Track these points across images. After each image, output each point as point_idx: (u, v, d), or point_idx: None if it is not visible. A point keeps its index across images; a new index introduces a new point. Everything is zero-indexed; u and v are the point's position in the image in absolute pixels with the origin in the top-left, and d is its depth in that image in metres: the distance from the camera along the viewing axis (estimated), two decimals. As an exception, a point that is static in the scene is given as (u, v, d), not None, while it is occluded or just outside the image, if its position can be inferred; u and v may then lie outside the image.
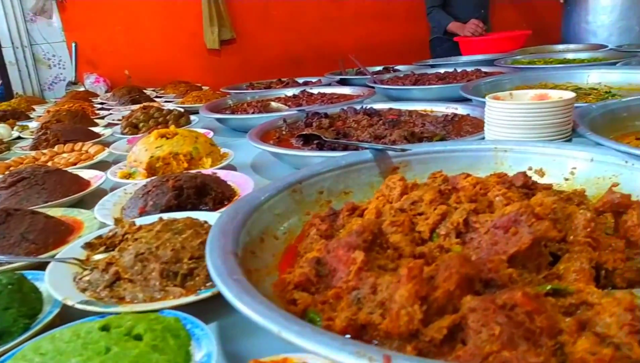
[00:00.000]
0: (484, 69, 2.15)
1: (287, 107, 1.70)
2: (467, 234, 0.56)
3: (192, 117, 1.78)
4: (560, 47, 3.19)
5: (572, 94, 0.88)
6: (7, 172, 1.04)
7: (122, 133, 1.61)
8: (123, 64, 3.29)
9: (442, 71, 2.38)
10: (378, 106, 1.50)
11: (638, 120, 1.09)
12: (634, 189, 0.65)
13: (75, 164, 1.27)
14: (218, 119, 1.68)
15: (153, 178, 0.92)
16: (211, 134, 1.48)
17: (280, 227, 0.71)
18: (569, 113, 0.89)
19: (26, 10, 3.03)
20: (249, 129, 1.44)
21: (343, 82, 2.54)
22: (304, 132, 1.13)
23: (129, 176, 1.10)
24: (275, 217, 0.72)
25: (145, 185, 0.88)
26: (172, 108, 1.77)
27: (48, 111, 2.10)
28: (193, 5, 3.30)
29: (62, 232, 0.78)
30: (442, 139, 1.13)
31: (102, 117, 2.01)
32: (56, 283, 0.57)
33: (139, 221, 0.71)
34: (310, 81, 2.55)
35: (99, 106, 2.48)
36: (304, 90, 2.11)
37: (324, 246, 0.54)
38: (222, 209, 0.82)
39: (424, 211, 0.61)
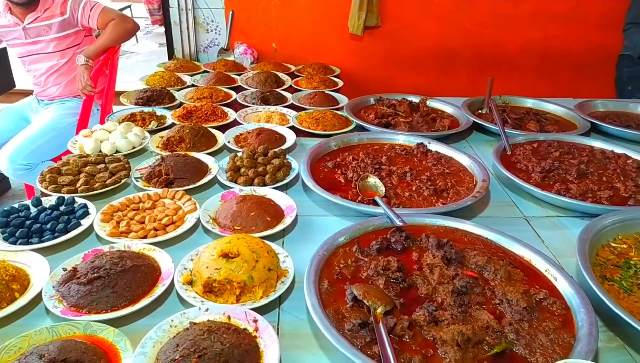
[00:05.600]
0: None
1: (382, 190, 1.61)
2: None
3: (293, 163, 1.79)
4: None
5: None
6: (93, 261, 1.18)
7: (226, 177, 1.69)
8: (272, 37, 3.34)
9: (596, 144, 2.01)
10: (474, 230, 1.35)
11: None
12: None
13: (162, 228, 1.39)
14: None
15: (186, 334, 0.98)
16: (294, 211, 1.49)
17: None
18: None
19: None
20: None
21: (476, 127, 2.29)
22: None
23: (191, 282, 1.18)
24: None
25: (177, 345, 0.95)
26: (278, 151, 1.79)
27: (184, 108, 2.27)
28: (348, -13, 3.15)
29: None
30: (504, 350, 1.00)
31: (224, 128, 2.11)
32: None
33: None
34: (438, 111, 2.34)
35: (234, 95, 2.60)
36: (422, 143, 1.96)
37: None
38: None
39: None
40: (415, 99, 2.55)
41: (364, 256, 1.28)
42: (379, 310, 1.06)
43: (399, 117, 2.30)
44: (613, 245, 1.38)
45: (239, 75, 2.97)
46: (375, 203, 1.53)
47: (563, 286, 1.17)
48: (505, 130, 2.08)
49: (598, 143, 2.01)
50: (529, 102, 2.59)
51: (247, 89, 2.72)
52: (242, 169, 1.71)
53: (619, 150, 1.95)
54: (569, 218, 1.57)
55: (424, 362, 0.97)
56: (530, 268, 1.25)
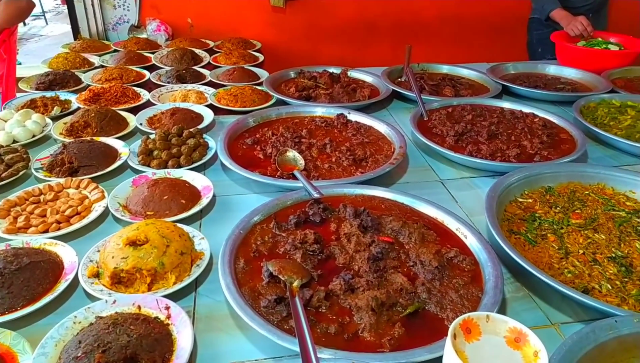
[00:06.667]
0: (554, 119, 1.83)
1: (302, 163, 1.59)
2: None
3: (210, 142, 1.73)
4: (676, 73, 2.66)
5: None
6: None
7: (138, 161, 1.61)
8: (187, 12, 3.19)
9: (505, 105, 2.09)
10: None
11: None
12: None
13: (65, 220, 1.30)
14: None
15: (90, 329, 0.92)
16: (211, 192, 1.44)
17: None
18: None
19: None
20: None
21: (396, 95, 2.32)
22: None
23: (97, 275, 1.11)
24: None
25: (79, 342, 0.89)
26: (193, 131, 1.72)
27: (90, 90, 2.12)
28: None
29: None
30: (417, 310, 1.02)
31: (136, 110, 1.99)
32: None
33: None
34: (360, 82, 2.33)
35: (147, 74, 2.46)
36: (342, 114, 1.96)
37: None
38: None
39: None
40: (336, 70, 2.53)
41: (282, 232, 1.26)
42: (295, 284, 1.05)
43: (320, 90, 2.28)
44: (520, 200, 1.45)
45: (153, 53, 2.81)
46: (295, 178, 1.51)
47: (472, 242, 1.21)
48: (423, 96, 2.12)
49: (507, 104, 2.10)
50: (445, 68, 2.65)
51: (161, 68, 2.59)
52: (155, 152, 1.63)
53: (526, 110, 2.04)
54: (481, 177, 1.64)
55: (340, 330, 0.98)
56: (442, 228, 1.29)
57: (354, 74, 2.53)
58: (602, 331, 0.91)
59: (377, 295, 1.02)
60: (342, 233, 1.25)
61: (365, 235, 1.23)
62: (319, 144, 1.75)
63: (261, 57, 2.85)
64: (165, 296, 1.05)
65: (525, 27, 3.54)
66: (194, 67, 2.55)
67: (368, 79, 2.50)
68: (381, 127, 1.88)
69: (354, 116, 1.97)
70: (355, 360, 0.86)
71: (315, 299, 1.03)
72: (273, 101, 2.18)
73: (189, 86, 2.31)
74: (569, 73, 2.62)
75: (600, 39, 2.88)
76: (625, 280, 1.13)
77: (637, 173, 1.53)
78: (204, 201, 1.40)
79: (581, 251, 1.22)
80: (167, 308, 1.01)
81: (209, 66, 2.70)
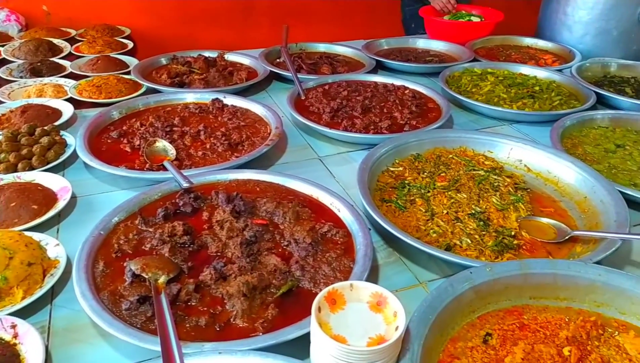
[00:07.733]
0: (422, 90, 1.92)
1: (173, 153, 1.51)
2: None
3: (69, 139, 1.58)
4: (528, 40, 2.94)
5: (397, 334, 0.76)
6: None
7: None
8: (41, -3, 2.88)
9: (379, 79, 2.15)
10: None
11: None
12: None
13: None
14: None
15: None
16: (68, 193, 1.31)
17: None
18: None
19: None
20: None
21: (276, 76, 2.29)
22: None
23: None
24: None
25: None
26: (48, 128, 1.55)
27: None
28: None
29: None
30: (290, 289, 1.02)
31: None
32: None
33: None
34: (238, 64, 2.25)
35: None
36: (217, 99, 1.89)
37: None
38: None
39: None
40: (212, 54, 2.44)
41: (150, 227, 1.19)
42: (161, 280, 0.99)
43: (194, 75, 2.18)
44: (391, 169, 1.50)
45: (3, 46, 2.50)
46: (166, 169, 1.43)
47: (345, 215, 1.23)
48: (301, 76, 2.11)
49: (380, 78, 2.16)
50: (322, 47, 2.67)
51: (13, 62, 2.31)
52: (2, 155, 1.45)
53: (398, 82, 2.12)
54: (357, 151, 1.67)
55: (212, 321, 0.94)
56: (317, 204, 1.30)
57: (232, 57, 2.46)
58: (459, 283, 0.97)
59: (248, 280, 0.99)
60: (215, 221, 1.20)
61: (239, 220, 1.19)
62: (193, 131, 1.67)
63: (130, 44, 2.66)
64: (12, 313, 0.94)
65: (399, 5, 3.68)
66: (52, 59, 2.31)
67: (246, 61, 2.44)
68: (258, 109, 1.85)
69: (230, 100, 1.91)
70: (222, 350, 0.83)
71: (183, 293, 0.98)
72: (143, 90, 2.04)
73: (46, 80, 2.09)
74: (437, 46, 2.77)
75: (464, 12, 3.07)
76: (483, 233, 1.22)
77: (494, 134, 1.66)
78: (61, 204, 1.27)
79: (445, 211, 1.30)
80: (14, 326, 0.90)
81: (70, 57, 2.46)
